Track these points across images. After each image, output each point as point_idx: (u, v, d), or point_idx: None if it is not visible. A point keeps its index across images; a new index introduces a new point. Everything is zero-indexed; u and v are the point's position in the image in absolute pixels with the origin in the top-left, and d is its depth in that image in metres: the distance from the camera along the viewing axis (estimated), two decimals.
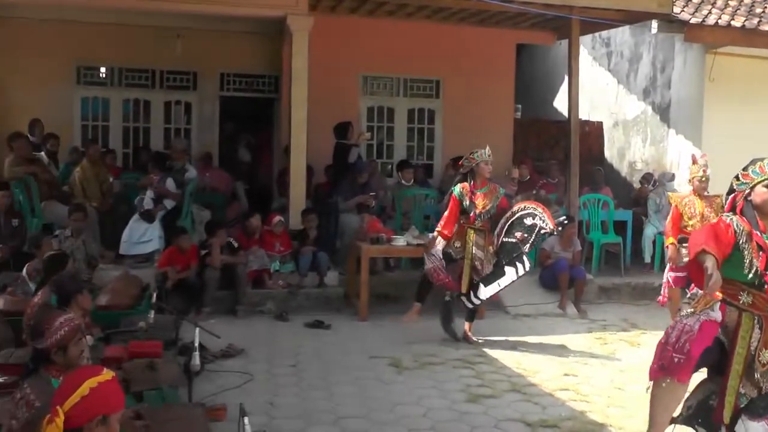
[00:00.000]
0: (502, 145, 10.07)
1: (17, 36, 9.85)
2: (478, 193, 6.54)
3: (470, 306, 6.60)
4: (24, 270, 6.22)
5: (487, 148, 6.63)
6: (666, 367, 3.57)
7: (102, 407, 2.33)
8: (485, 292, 6.46)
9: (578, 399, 5.21)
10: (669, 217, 6.83)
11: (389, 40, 10.22)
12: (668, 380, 3.57)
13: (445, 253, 6.54)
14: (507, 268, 6.41)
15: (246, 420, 2.93)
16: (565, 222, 7.18)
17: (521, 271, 6.43)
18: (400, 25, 10.22)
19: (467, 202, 6.48)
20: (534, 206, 6.57)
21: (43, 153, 8.98)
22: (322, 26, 8.62)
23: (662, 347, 3.64)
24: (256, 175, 11.26)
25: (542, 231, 6.41)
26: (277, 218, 8.05)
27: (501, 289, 6.56)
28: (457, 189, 6.57)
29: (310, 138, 8.58)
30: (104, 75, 10.56)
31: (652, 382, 3.68)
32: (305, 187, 8.61)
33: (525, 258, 6.40)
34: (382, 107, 10.88)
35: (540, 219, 6.40)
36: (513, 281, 6.50)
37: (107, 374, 2.40)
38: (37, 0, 9.27)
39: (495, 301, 7.34)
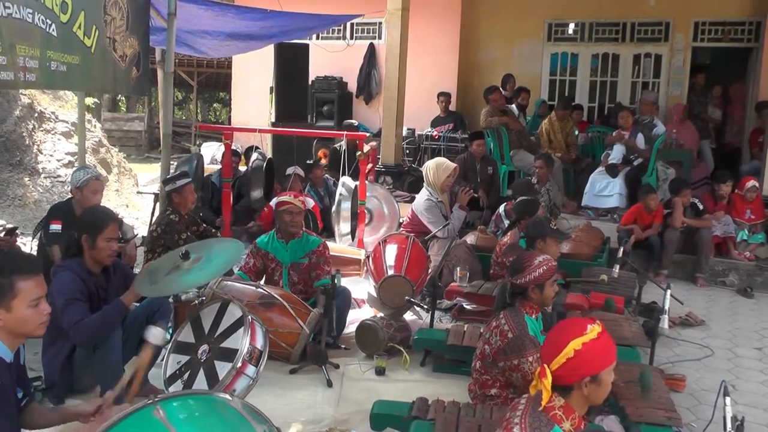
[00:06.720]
0: None
1: (498, 1, 10.89)
2: None
3: None
4: (502, 208, 6.91)
5: None
6: None
7: (589, 368, 2.19)
8: None
9: None
10: None
11: None
12: None
13: None
14: None
15: (728, 401, 2.65)
16: None
17: None
18: None
19: None
20: None
21: (513, 105, 9.70)
22: None
23: None
24: (724, 133, 10.44)
25: None
26: (751, 183, 7.38)
27: None
28: None
29: None
30: (574, 31, 10.88)
31: None
32: None
33: None
34: None
35: None
36: None
37: (592, 332, 2.23)
38: None
39: None
